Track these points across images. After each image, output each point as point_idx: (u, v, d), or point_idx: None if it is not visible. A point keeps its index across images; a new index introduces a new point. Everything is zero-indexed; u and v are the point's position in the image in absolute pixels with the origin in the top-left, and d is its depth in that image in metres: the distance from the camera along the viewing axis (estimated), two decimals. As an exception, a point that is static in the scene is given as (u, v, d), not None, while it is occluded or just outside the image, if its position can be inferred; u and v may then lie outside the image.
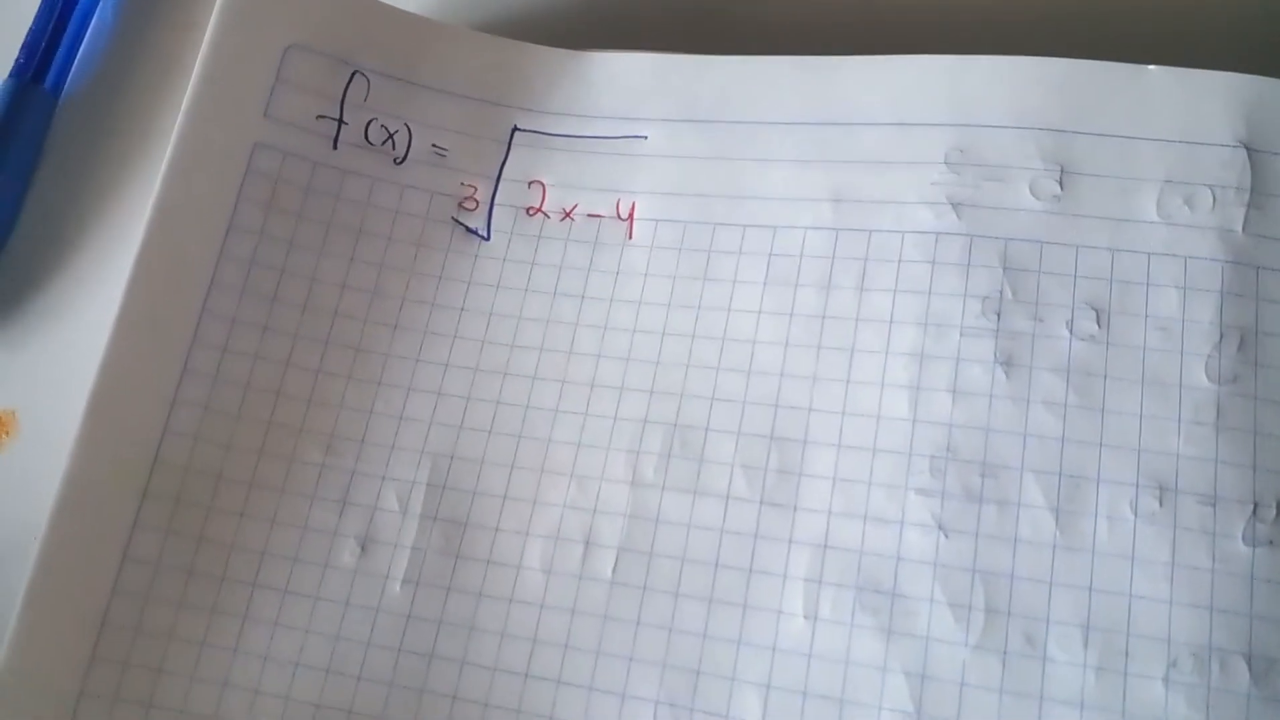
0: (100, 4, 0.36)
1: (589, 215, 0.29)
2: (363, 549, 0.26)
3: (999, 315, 0.25)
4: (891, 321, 0.26)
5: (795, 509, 0.25)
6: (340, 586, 0.26)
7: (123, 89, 0.35)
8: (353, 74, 0.29)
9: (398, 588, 0.26)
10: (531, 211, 0.29)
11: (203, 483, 0.27)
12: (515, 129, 0.30)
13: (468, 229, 0.29)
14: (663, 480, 0.26)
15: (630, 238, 0.29)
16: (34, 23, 0.35)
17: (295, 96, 0.29)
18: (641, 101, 0.29)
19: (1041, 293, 0.25)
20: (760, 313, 0.27)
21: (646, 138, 0.29)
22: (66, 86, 0.35)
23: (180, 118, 0.28)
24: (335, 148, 0.29)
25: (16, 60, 0.34)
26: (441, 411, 0.27)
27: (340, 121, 0.29)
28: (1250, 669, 0.22)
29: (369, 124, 0.29)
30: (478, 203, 0.29)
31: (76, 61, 0.35)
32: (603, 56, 0.30)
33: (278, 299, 0.28)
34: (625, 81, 0.30)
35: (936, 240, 0.26)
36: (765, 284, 0.27)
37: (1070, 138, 0.26)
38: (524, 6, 0.33)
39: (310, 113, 0.29)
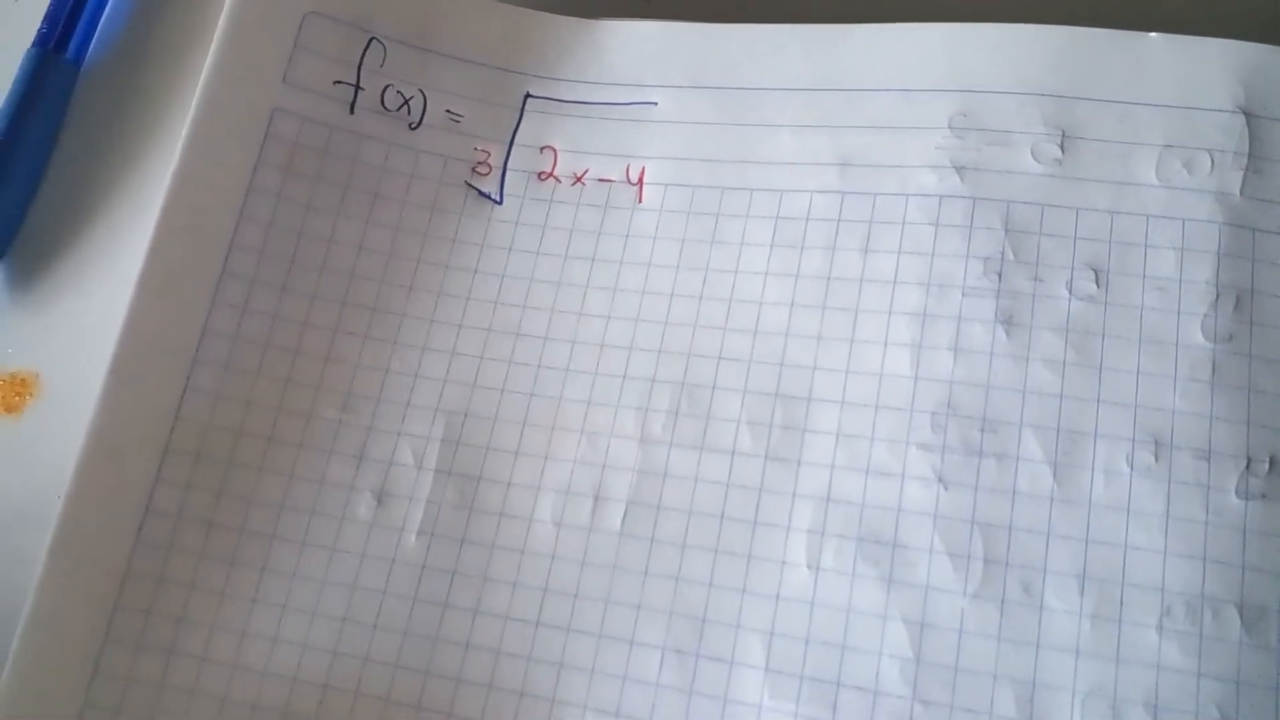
0: None
1: (600, 180, 0.30)
2: (379, 502, 0.27)
3: (1000, 276, 0.26)
4: (895, 282, 0.27)
5: (799, 463, 0.26)
6: (356, 538, 0.27)
7: (144, 58, 0.36)
8: (370, 40, 0.30)
9: (413, 539, 0.27)
10: (543, 176, 0.30)
11: (223, 439, 0.27)
12: (528, 95, 0.30)
13: (481, 193, 0.30)
14: (670, 436, 0.27)
15: (640, 201, 0.29)
16: None
17: (313, 62, 0.30)
18: (651, 69, 0.30)
19: (1042, 254, 0.26)
20: (767, 274, 0.28)
21: (656, 104, 0.30)
22: (88, 56, 0.36)
23: (201, 84, 0.29)
24: (352, 113, 0.30)
25: (39, 30, 0.35)
26: (455, 370, 0.28)
27: (357, 87, 0.30)
28: (1242, 618, 0.23)
29: (385, 90, 0.30)
30: (491, 167, 0.30)
31: (98, 31, 0.36)
32: (614, 25, 0.31)
33: (296, 260, 0.29)
34: (635, 49, 0.30)
35: (940, 203, 0.27)
36: (772, 246, 0.28)
37: (1071, 103, 0.27)
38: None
39: (328, 78, 0.30)
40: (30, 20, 0.35)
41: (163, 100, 0.35)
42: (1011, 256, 0.26)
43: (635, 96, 0.30)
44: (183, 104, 0.34)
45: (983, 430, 0.25)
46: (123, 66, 0.36)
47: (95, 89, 0.35)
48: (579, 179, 0.30)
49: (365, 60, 0.30)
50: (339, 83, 0.30)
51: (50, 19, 0.35)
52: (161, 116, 0.35)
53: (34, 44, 0.35)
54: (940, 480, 0.25)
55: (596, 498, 0.27)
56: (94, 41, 0.36)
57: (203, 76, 0.29)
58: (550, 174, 0.30)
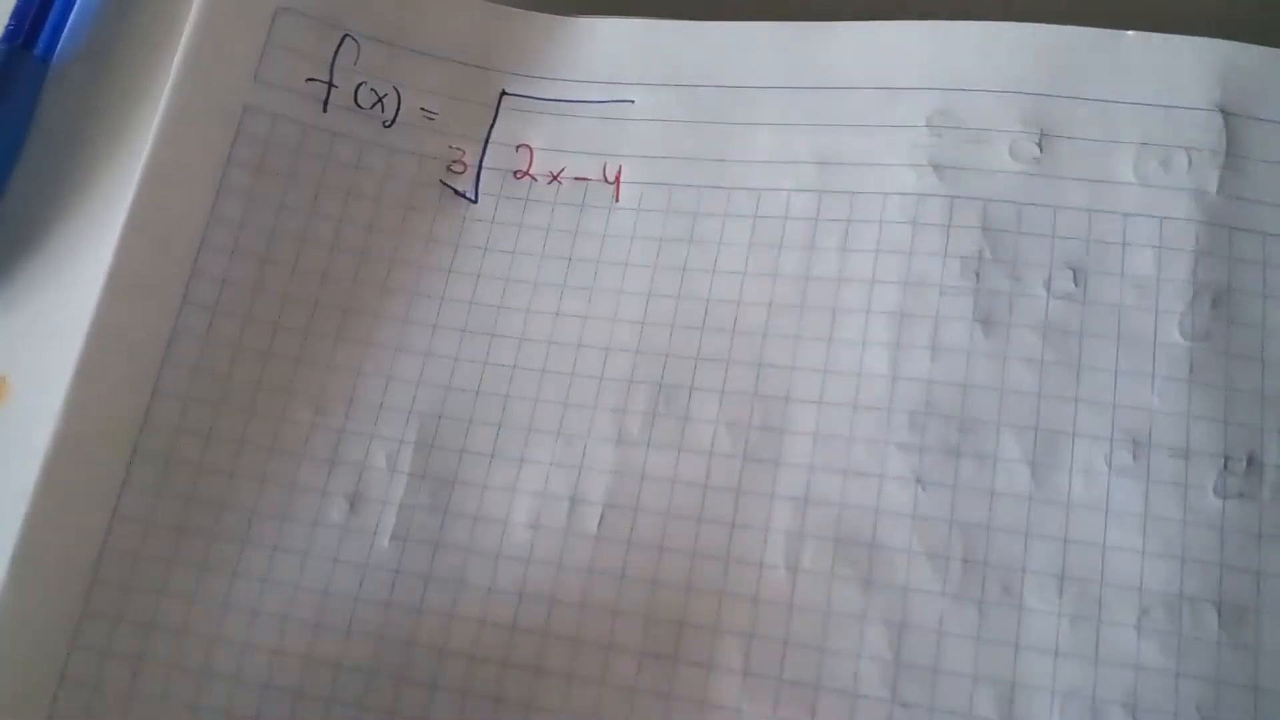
0: None
1: (576, 178, 0.29)
2: (351, 506, 0.27)
3: (978, 275, 0.26)
4: (873, 281, 0.26)
5: (777, 464, 0.26)
6: (329, 543, 0.26)
7: (113, 55, 0.35)
8: (343, 37, 0.30)
9: (386, 543, 0.26)
10: (519, 175, 0.30)
11: (192, 442, 0.27)
12: (503, 93, 0.30)
13: (456, 191, 0.29)
14: (648, 438, 0.26)
15: (617, 200, 0.29)
16: None
17: (285, 59, 0.29)
18: (628, 66, 0.30)
19: (1020, 252, 0.26)
20: (745, 274, 0.27)
21: (633, 102, 0.29)
22: (57, 52, 0.35)
23: (170, 80, 0.28)
24: (325, 111, 0.29)
25: (6, 26, 0.34)
26: (429, 371, 0.28)
27: (330, 85, 0.29)
28: (1220, 617, 0.23)
29: (358, 87, 0.30)
30: (466, 166, 0.30)
31: (67, 28, 0.35)
32: (590, 22, 0.30)
33: (267, 260, 0.28)
34: (612, 47, 0.30)
35: (918, 201, 0.27)
36: (750, 246, 0.28)
37: (1050, 101, 0.27)
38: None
39: (300, 76, 0.29)
40: None
41: (133, 97, 0.34)
42: (989, 255, 0.26)
43: (612, 94, 0.30)
44: (153, 101, 0.33)
45: (961, 430, 0.25)
46: (92, 64, 0.35)
47: (64, 86, 0.35)
48: (555, 177, 0.29)
49: (338, 57, 0.29)
50: (311, 80, 0.29)
51: (18, 15, 0.34)
52: (132, 114, 0.34)
53: (1, 40, 0.34)
54: (919, 480, 0.25)
55: (573, 500, 0.26)
56: (63, 38, 0.35)
57: (172, 73, 0.28)
58: (526, 172, 0.30)
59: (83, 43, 0.35)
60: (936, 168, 0.27)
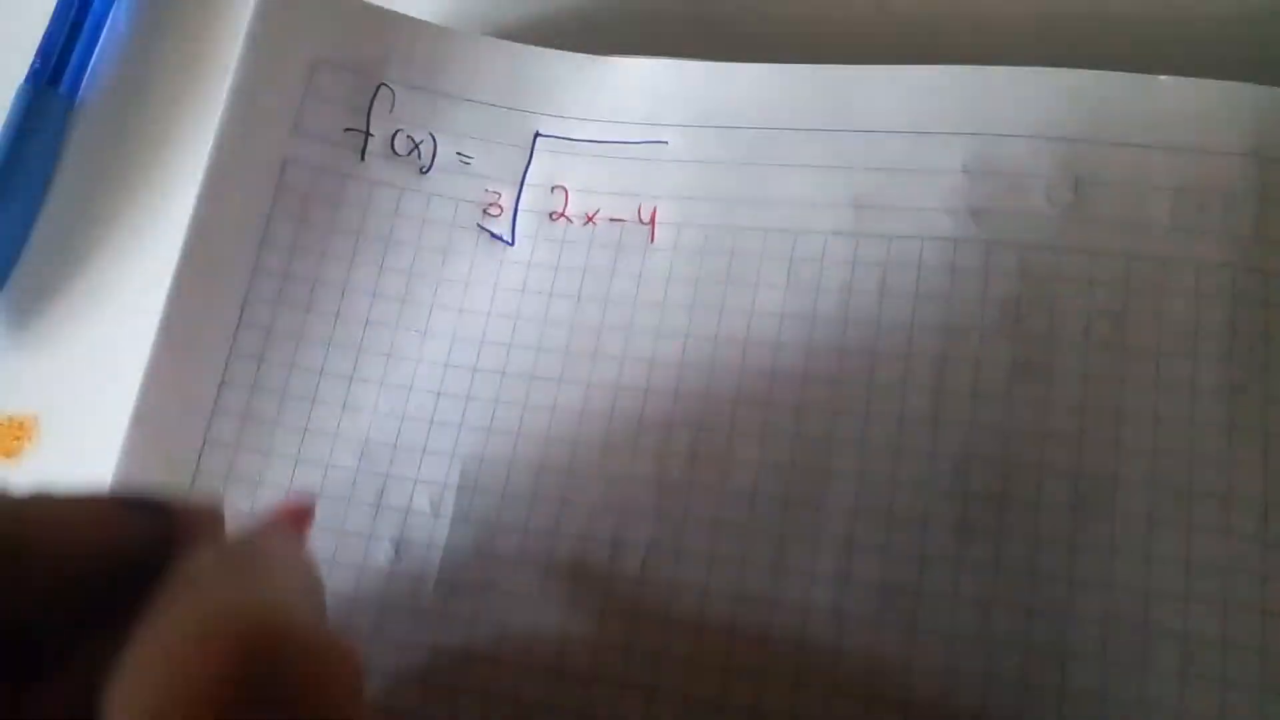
0: (115, 5, 0.36)
1: (611, 219, 0.29)
2: (396, 551, 0.27)
3: (1017, 320, 0.26)
4: (912, 325, 0.27)
5: (819, 509, 0.26)
6: (375, 588, 0.27)
7: (139, 92, 0.35)
8: (378, 86, 0.30)
9: (430, 588, 0.27)
10: (555, 216, 0.30)
11: (243, 490, 0.27)
12: (537, 135, 0.30)
13: (493, 235, 0.30)
14: (690, 480, 0.27)
15: (652, 241, 0.29)
16: (50, 26, 0.35)
17: (323, 110, 0.29)
18: (662, 107, 0.30)
19: (1058, 298, 0.26)
20: (783, 315, 0.28)
21: (667, 143, 0.30)
22: (82, 90, 0.35)
23: (214, 137, 0.29)
24: (363, 159, 0.30)
25: (32, 65, 0.35)
26: (470, 415, 0.28)
27: (367, 134, 0.30)
28: (1263, 663, 0.23)
29: (395, 135, 0.30)
30: (502, 209, 0.30)
31: (92, 65, 0.36)
32: (623, 62, 0.31)
33: (311, 309, 0.29)
34: (646, 87, 0.30)
35: (955, 246, 0.27)
36: (787, 288, 0.28)
37: (1085, 146, 0.27)
38: (539, 12, 0.34)
39: (338, 126, 0.30)
40: (22, 54, 0.35)
41: (158, 134, 0.35)
42: (1028, 300, 0.26)
43: (646, 135, 0.30)
44: (180, 137, 0.34)
45: (1004, 476, 0.25)
46: (117, 101, 0.35)
47: (90, 124, 0.35)
48: (590, 219, 0.30)
49: (374, 106, 0.30)
50: (349, 130, 0.30)
51: (43, 53, 0.35)
52: (158, 150, 0.34)
53: (27, 79, 0.34)
54: (962, 526, 0.25)
55: (614, 543, 0.27)
56: (88, 75, 0.36)
57: (216, 130, 0.29)
58: (562, 214, 0.30)
59: (108, 80, 0.36)
60: (973, 213, 0.27)
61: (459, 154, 0.30)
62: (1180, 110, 0.27)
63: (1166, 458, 0.25)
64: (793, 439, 0.27)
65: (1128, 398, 0.25)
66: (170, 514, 0.20)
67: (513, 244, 0.30)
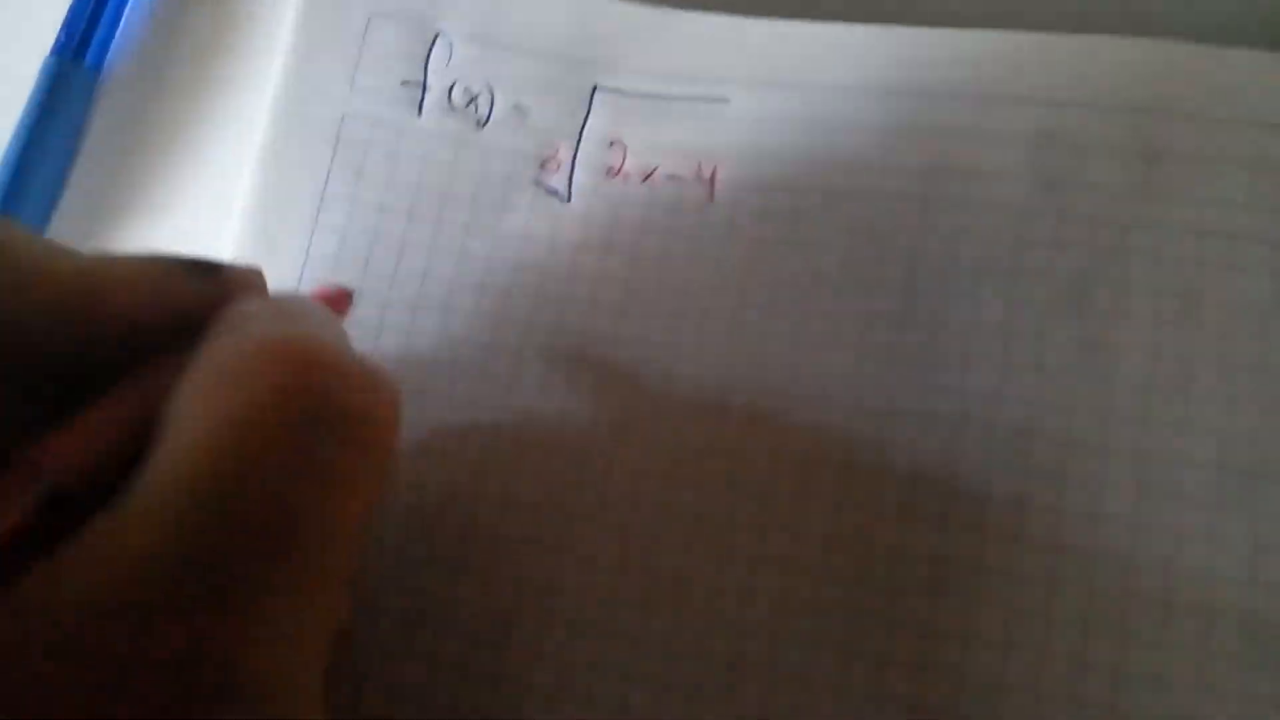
0: None
1: (670, 177, 0.29)
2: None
3: (1084, 294, 0.26)
4: (978, 297, 0.26)
5: (883, 475, 0.26)
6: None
7: (165, 63, 0.34)
8: (435, 37, 0.29)
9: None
10: (612, 173, 0.29)
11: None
12: (596, 88, 0.30)
13: (549, 190, 0.29)
14: (744, 446, 0.27)
15: (711, 201, 0.29)
16: None
17: (380, 64, 0.29)
18: (723, 63, 0.29)
19: (1128, 273, 0.26)
20: (842, 283, 0.27)
21: (729, 100, 0.29)
22: (108, 62, 0.35)
23: (273, 98, 0.29)
24: (420, 113, 0.29)
25: (57, 38, 0.34)
26: (523, 370, 0.28)
27: (424, 86, 0.29)
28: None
29: (452, 87, 0.29)
30: (559, 163, 0.29)
31: (117, 36, 0.35)
32: (686, 16, 0.30)
33: (369, 266, 0.28)
34: (707, 42, 0.29)
35: (1024, 217, 0.27)
36: (848, 251, 0.27)
37: (1158, 118, 0.26)
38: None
39: (395, 79, 0.29)
40: (47, 28, 0.34)
41: (186, 106, 0.34)
42: (1095, 274, 0.26)
43: (707, 91, 0.29)
44: (207, 108, 0.33)
45: (1064, 454, 0.25)
46: (144, 72, 0.34)
47: (116, 96, 0.34)
48: (649, 176, 0.29)
49: (431, 58, 0.29)
50: (406, 83, 0.29)
51: (69, 26, 0.34)
52: (185, 122, 0.34)
53: (51, 53, 0.34)
54: (1023, 501, 0.25)
55: (666, 477, 0.27)
56: (114, 47, 0.35)
57: (274, 91, 0.29)
58: (619, 170, 0.29)
59: (134, 51, 0.35)
60: (1044, 183, 0.27)
61: (516, 106, 0.29)
62: (1255, 84, 0.26)
63: (1236, 439, 0.25)
64: (849, 411, 0.26)
65: (1197, 377, 0.25)
66: (222, 275, 0.21)
67: (570, 200, 0.29)
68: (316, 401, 0.18)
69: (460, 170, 0.29)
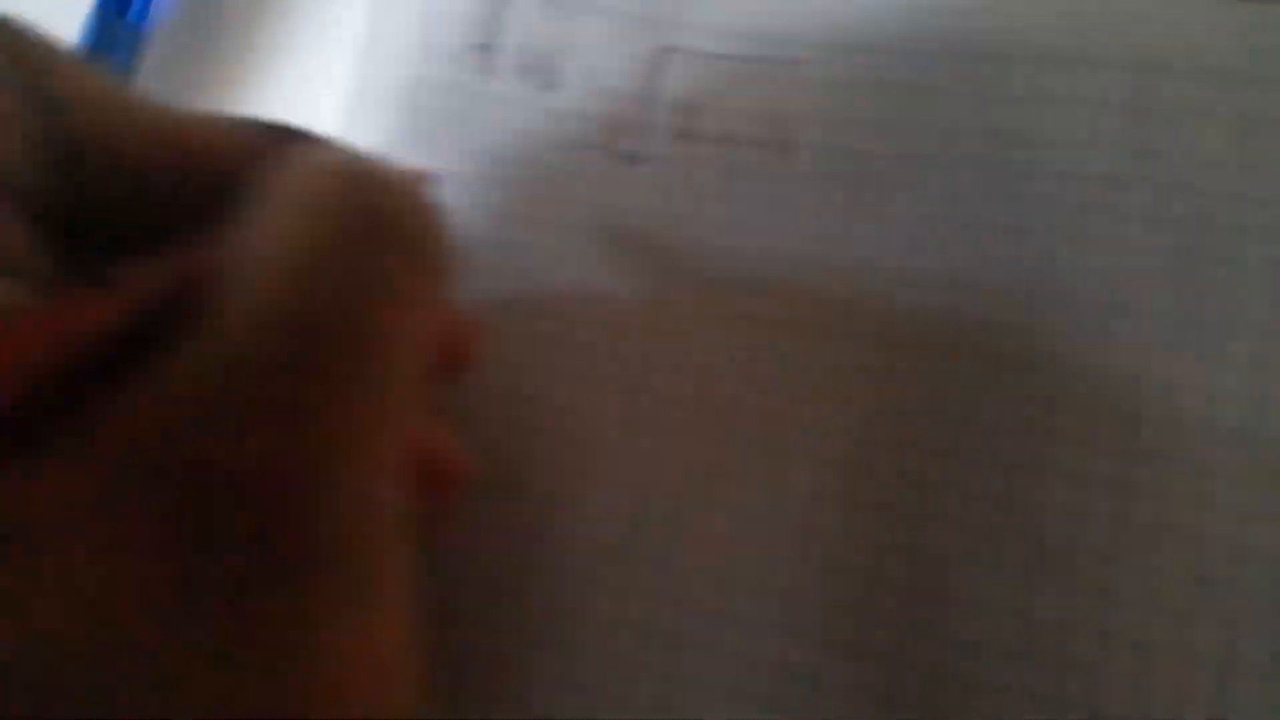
0: None
1: (746, 141, 0.28)
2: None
3: (1191, 271, 0.25)
4: (1071, 272, 0.25)
5: (950, 464, 0.25)
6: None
7: (210, 18, 0.33)
8: (505, 2, 0.28)
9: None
10: (685, 135, 0.28)
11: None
12: (667, 47, 0.29)
13: (620, 154, 0.28)
14: (813, 418, 0.26)
15: (787, 168, 0.28)
16: None
17: (450, 27, 0.28)
18: (804, 23, 0.28)
19: (1236, 249, 0.25)
20: (926, 250, 0.26)
21: (805, 61, 0.28)
22: (151, 17, 0.34)
23: (353, 67, 0.28)
24: (491, 78, 0.28)
25: None
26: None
27: (495, 50, 0.28)
28: None
29: (522, 49, 0.28)
30: (630, 126, 0.28)
31: None
32: (758, -29, 0.28)
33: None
34: (779, 1, 0.28)
35: (1117, 189, 0.26)
36: (936, 219, 0.27)
37: (1257, 84, 0.25)
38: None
39: (466, 43, 0.28)
40: None
41: (232, 63, 0.33)
42: (1201, 251, 0.25)
43: (785, 52, 0.28)
44: (254, 65, 0.32)
45: (1174, 438, 0.24)
46: (189, 28, 0.33)
47: (161, 53, 0.33)
48: (724, 140, 0.28)
49: (502, 20, 0.28)
50: (477, 46, 0.28)
51: None
52: (233, 79, 0.33)
53: (93, 10, 0.33)
54: (1122, 482, 0.24)
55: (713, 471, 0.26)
56: (156, 4, 0.34)
57: (357, 60, 0.27)
58: (693, 133, 0.28)
59: (178, 5, 0.33)
60: (1136, 152, 0.26)
61: (588, 68, 0.28)
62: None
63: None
64: (931, 381, 0.26)
65: (1306, 358, 0.24)
66: (308, 138, 0.22)
67: (641, 164, 0.28)
68: (377, 219, 0.18)
69: (531, 135, 0.28)
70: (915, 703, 0.24)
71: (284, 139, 0.21)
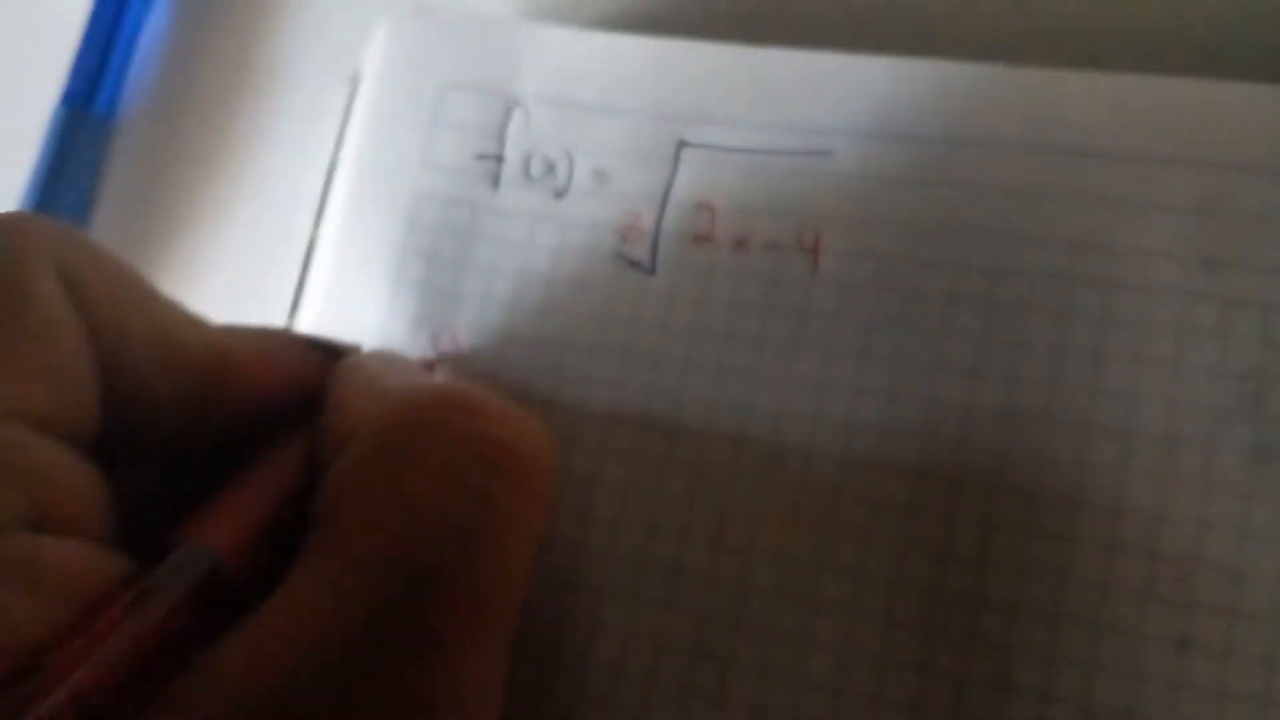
0: (152, 18, 0.33)
1: (766, 244, 0.26)
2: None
3: (1257, 399, 0.22)
4: (1135, 396, 0.23)
5: (1016, 612, 0.23)
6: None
7: (180, 108, 0.32)
8: (512, 106, 0.26)
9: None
10: (701, 240, 0.26)
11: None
12: (682, 143, 0.26)
13: (631, 262, 0.26)
14: (863, 563, 0.24)
15: (816, 272, 0.25)
16: (82, 44, 0.32)
17: (454, 138, 0.26)
18: (828, 109, 0.26)
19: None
20: (975, 372, 0.24)
21: (835, 153, 0.25)
22: (120, 107, 0.32)
23: (342, 180, 0.27)
24: (496, 188, 0.26)
25: (66, 87, 0.32)
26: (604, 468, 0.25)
27: (501, 159, 0.26)
28: None
29: (530, 158, 0.26)
30: (642, 231, 0.26)
31: (129, 80, 0.33)
32: (780, 54, 0.26)
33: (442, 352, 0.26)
34: (807, 84, 0.26)
35: (1185, 302, 0.23)
36: (982, 337, 0.24)
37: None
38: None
39: (469, 152, 0.26)
40: (54, 75, 0.32)
41: (203, 152, 0.32)
42: (1274, 375, 0.22)
43: (809, 144, 0.26)
44: (226, 156, 0.31)
45: (1235, 582, 0.22)
46: (158, 118, 0.32)
47: (130, 144, 0.32)
48: (742, 244, 0.26)
49: (508, 128, 0.26)
50: (481, 156, 0.26)
51: (76, 73, 0.32)
52: (204, 170, 0.31)
53: (61, 102, 0.32)
54: (1183, 642, 0.22)
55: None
56: (125, 92, 0.33)
57: (343, 172, 0.27)
58: (709, 237, 0.26)
59: (147, 96, 0.32)
60: (1208, 262, 0.23)
61: (597, 171, 0.26)
62: None
63: None
64: (982, 527, 0.23)
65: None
66: (336, 347, 0.23)
67: (653, 272, 0.26)
68: (477, 444, 0.19)
69: (538, 247, 0.26)
70: None
71: (331, 354, 0.22)
